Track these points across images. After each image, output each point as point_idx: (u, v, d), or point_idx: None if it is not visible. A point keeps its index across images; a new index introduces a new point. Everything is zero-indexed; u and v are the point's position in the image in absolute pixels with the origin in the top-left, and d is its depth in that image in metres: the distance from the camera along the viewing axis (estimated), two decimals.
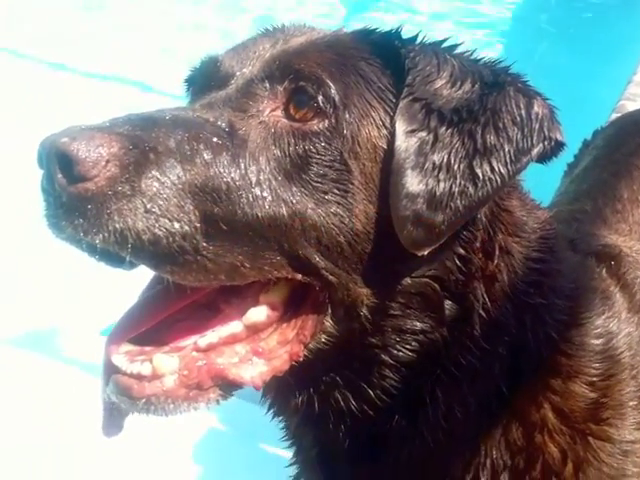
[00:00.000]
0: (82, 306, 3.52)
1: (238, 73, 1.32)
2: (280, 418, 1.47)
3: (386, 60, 1.29)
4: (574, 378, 1.41)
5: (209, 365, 1.20)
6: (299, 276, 1.22)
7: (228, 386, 1.21)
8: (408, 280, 1.26)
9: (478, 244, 1.29)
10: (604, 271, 1.63)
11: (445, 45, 1.34)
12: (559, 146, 1.26)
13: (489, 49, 6.26)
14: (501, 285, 1.32)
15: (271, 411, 1.46)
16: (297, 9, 6.86)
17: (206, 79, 1.35)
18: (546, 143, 1.24)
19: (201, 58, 1.41)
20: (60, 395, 3.29)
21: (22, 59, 6.01)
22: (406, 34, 1.34)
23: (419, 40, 1.34)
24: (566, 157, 2.35)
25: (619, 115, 3.14)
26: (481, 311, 1.30)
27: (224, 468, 2.98)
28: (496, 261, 1.31)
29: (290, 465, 1.58)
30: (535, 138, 1.23)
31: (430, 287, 1.27)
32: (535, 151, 1.24)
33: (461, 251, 1.28)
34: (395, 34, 1.34)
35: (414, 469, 1.38)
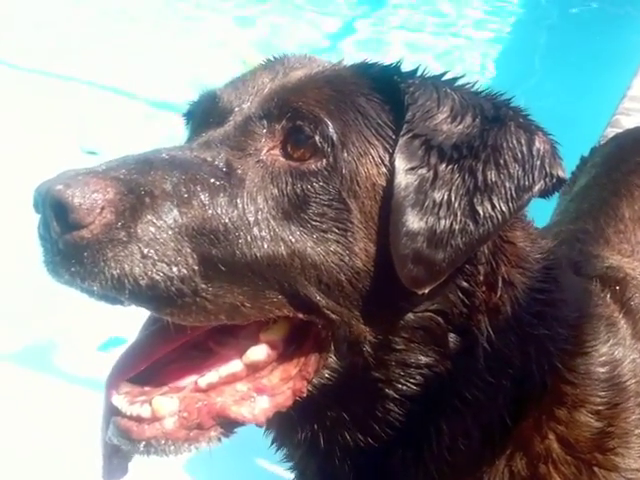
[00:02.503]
0: (80, 321, 3.48)
1: (237, 109, 1.28)
2: (283, 450, 1.44)
3: (386, 95, 1.25)
4: (579, 407, 1.37)
5: (209, 405, 1.17)
6: (300, 315, 1.20)
7: (229, 424, 1.18)
8: (411, 315, 1.23)
9: (481, 277, 1.26)
10: (608, 296, 1.59)
11: (446, 78, 1.31)
12: (560, 182, 1.23)
13: (486, 63, 6.24)
14: (505, 317, 1.29)
15: (274, 444, 1.43)
16: None
17: (205, 114, 1.33)
18: (547, 180, 1.21)
19: (200, 92, 1.38)
20: (57, 410, 3.26)
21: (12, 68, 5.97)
22: (406, 67, 1.31)
23: (419, 73, 1.30)
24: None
25: (614, 130, 3.10)
26: (485, 344, 1.27)
27: None
28: (499, 293, 1.28)
29: None
30: (536, 175, 1.20)
31: (434, 321, 1.24)
32: (536, 188, 1.20)
33: (464, 284, 1.25)
34: (394, 69, 1.30)
35: None
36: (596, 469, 1.36)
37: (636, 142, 2.39)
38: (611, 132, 3.08)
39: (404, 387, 1.25)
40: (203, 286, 1.12)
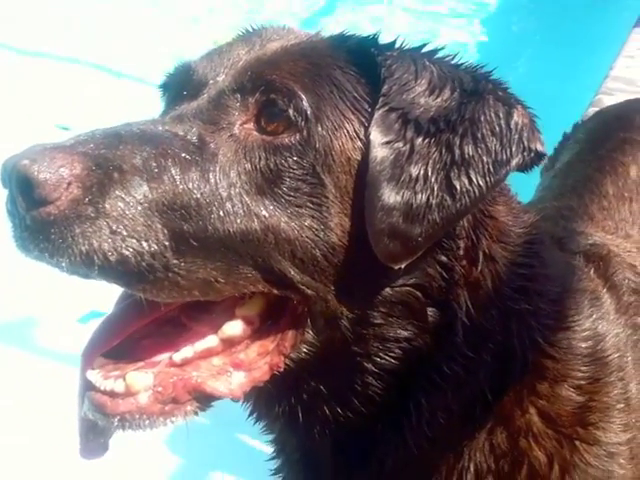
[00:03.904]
0: (60, 294, 3.42)
1: (211, 82, 1.25)
2: (262, 423, 1.42)
3: (362, 68, 1.22)
4: (561, 382, 1.36)
5: (185, 379, 1.15)
6: (275, 290, 1.17)
7: (205, 398, 1.16)
8: (389, 290, 1.20)
9: (461, 251, 1.24)
10: (592, 271, 1.57)
11: (425, 50, 1.27)
12: (539, 157, 1.20)
13: (470, 40, 6.18)
14: (485, 291, 1.26)
15: (252, 416, 1.41)
16: None
17: (179, 87, 1.29)
18: (525, 154, 1.18)
19: (175, 64, 1.34)
20: (37, 383, 3.21)
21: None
22: (384, 39, 1.26)
23: (397, 46, 1.26)
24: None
25: (596, 109, 3.06)
26: (464, 318, 1.24)
27: (202, 458, 2.90)
28: (480, 268, 1.26)
29: (270, 459, 1.53)
30: (514, 149, 1.17)
31: (412, 295, 1.21)
32: (514, 162, 1.17)
33: (443, 259, 1.22)
34: (372, 40, 1.27)
35: (398, 474, 1.33)
36: (577, 443, 1.35)
37: (619, 119, 2.36)
38: (593, 111, 3.05)
39: (383, 361, 1.23)
40: (175, 261, 1.09)
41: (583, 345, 1.38)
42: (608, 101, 3.64)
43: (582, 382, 1.36)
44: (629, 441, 1.39)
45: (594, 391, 1.37)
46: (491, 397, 1.29)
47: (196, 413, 1.16)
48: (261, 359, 1.19)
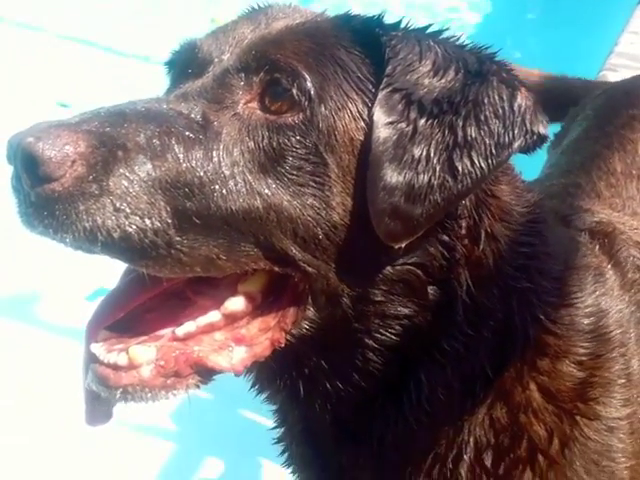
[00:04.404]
0: (67, 271, 3.43)
1: (216, 60, 1.25)
2: (264, 394, 1.43)
3: (367, 48, 1.21)
4: (562, 358, 1.36)
5: (187, 353, 1.16)
6: (276, 268, 1.18)
7: (207, 372, 1.17)
8: (389, 268, 1.21)
9: (463, 231, 1.24)
10: (597, 248, 1.56)
11: (430, 31, 1.26)
12: (542, 139, 1.20)
13: (471, 18, 6.09)
14: (487, 270, 1.26)
15: (254, 388, 1.42)
16: None
17: (184, 65, 1.29)
18: (528, 137, 1.18)
19: (181, 42, 1.34)
20: (45, 358, 3.23)
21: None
22: (389, 19, 1.26)
23: (402, 26, 1.26)
24: (552, 127, 2.26)
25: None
26: (465, 297, 1.25)
27: (204, 433, 2.93)
28: (482, 247, 1.26)
29: (272, 429, 1.55)
30: (517, 131, 1.17)
31: (413, 274, 1.22)
32: (516, 145, 1.17)
33: (445, 238, 1.22)
34: (376, 21, 1.26)
35: (398, 447, 1.34)
36: (578, 418, 1.35)
37: (628, 95, 2.32)
38: None
39: (383, 337, 1.24)
40: (177, 239, 1.10)
41: (585, 321, 1.39)
42: (612, 77, 3.60)
43: (583, 358, 1.36)
44: (629, 416, 1.39)
45: (595, 367, 1.37)
46: (491, 373, 1.30)
47: (198, 387, 1.17)
48: (262, 335, 1.19)
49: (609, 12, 5.37)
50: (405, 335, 1.23)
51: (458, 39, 1.26)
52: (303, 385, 1.27)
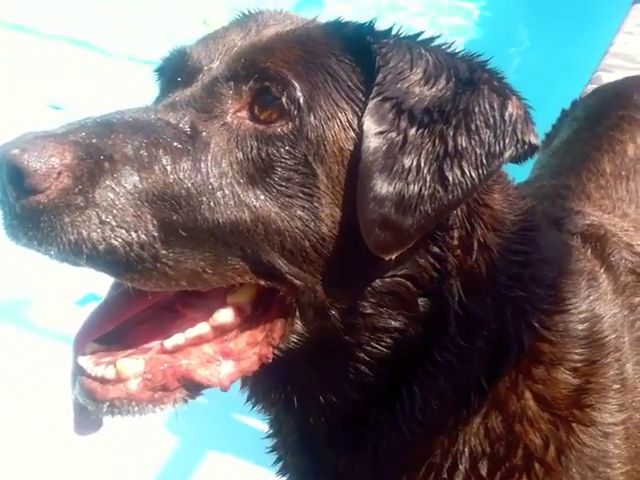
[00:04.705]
0: (57, 276, 3.39)
1: (205, 68, 1.23)
2: (260, 406, 1.42)
3: (357, 57, 1.20)
4: (557, 365, 1.35)
5: (175, 367, 1.15)
6: (262, 282, 1.17)
7: (194, 386, 1.16)
8: (379, 281, 1.19)
9: (455, 241, 1.23)
10: (589, 252, 1.56)
11: (421, 38, 1.25)
12: (533, 149, 1.19)
13: (466, 19, 6.08)
14: (479, 280, 1.25)
15: (250, 401, 1.41)
16: None
17: (174, 73, 1.27)
18: (519, 146, 1.17)
19: (170, 49, 1.33)
20: (34, 363, 3.20)
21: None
22: (380, 27, 1.25)
23: (394, 33, 1.24)
24: (543, 127, 2.25)
25: (594, 87, 3.02)
26: (457, 308, 1.24)
27: (200, 438, 2.91)
28: (475, 257, 1.25)
29: (266, 437, 1.54)
30: (507, 141, 1.16)
31: (403, 286, 1.20)
32: (507, 154, 1.16)
33: (435, 249, 1.21)
34: (367, 28, 1.24)
35: (393, 457, 1.34)
36: (574, 425, 1.35)
37: (618, 96, 2.33)
38: (591, 88, 3.00)
39: (375, 350, 1.22)
40: (164, 252, 1.09)
41: (580, 327, 1.38)
42: (607, 78, 3.60)
43: (578, 364, 1.36)
44: (624, 421, 1.39)
45: (590, 373, 1.36)
46: (486, 383, 1.29)
47: (185, 401, 1.15)
48: (250, 349, 1.18)
49: (604, 12, 5.38)
50: (396, 347, 1.22)
51: (450, 46, 1.25)
52: (297, 397, 1.26)
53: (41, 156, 1.03)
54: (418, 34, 1.25)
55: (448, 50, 1.24)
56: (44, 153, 1.03)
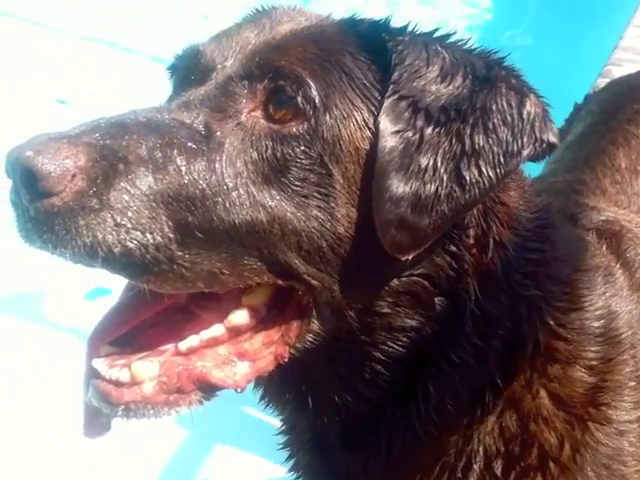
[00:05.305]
0: (66, 270, 3.38)
1: (219, 67, 1.22)
2: (273, 405, 1.41)
3: (373, 54, 1.18)
4: (573, 363, 1.34)
5: (190, 369, 1.14)
6: (280, 281, 1.15)
7: (210, 388, 1.15)
8: (395, 280, 1.18)
9: (471, 240, 1.21)
10: (605, 248, 1.55)
11: (437, 35, 1.23)
12: (551, 147, 1.17)
13: (477, 12, 6.04)
14: (495, 279, 1.24)
15: (264, 400, 1.40)
16: None
17: (187, 71, 1.26)
18: (537, 145, 1.15)
19: (184, 47, 1.31)
20: (44, 358, 3.21)
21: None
22: (396, 24, 1.23)
23: (409, 30, 1.22)
24: (557, 121, 2.22)
25: (605, 80, 2.99)
26: (473, 307, 1.22)
27: (210, 432, 2.91)
28: (490, 255, 1.23)
29: (278, 434, 1.53)
30: (526, 140, 1.14)
31: (420, 285, 1.19)
32: (525, 153, 1.14)
33: (452, 248, 1.20)
34: (383, 25, 1.23)
35: (407, 456, 1.32)
36: (589, 423, 1.33)
37: (633, 89, 2.30)
38: (602, 82, 2.97)
39: (390, 349, 1.21)
40: (179, 253, 1.07)
41: (595, 324, 1.36)
42: (617, 72, 3.56)
43: (594, 362, 1.34)
44: (639, 419, 1.37)
45: (606, 371, 1.35)
46: (501, 382, 1.28)
47: (200, 403, 1.14)
48: (266, 349, 1.17)
49: (614, 6, 5.32)
50: (412, 347, 1.21)
51: (466, 43, 1.23)
52: (312, 397, 1.26)
53: (55, 158, 1.01)
54: (434, 31, 1.23)
55: (464, 47, 1.22)
56: (58, 155, 1.02)
